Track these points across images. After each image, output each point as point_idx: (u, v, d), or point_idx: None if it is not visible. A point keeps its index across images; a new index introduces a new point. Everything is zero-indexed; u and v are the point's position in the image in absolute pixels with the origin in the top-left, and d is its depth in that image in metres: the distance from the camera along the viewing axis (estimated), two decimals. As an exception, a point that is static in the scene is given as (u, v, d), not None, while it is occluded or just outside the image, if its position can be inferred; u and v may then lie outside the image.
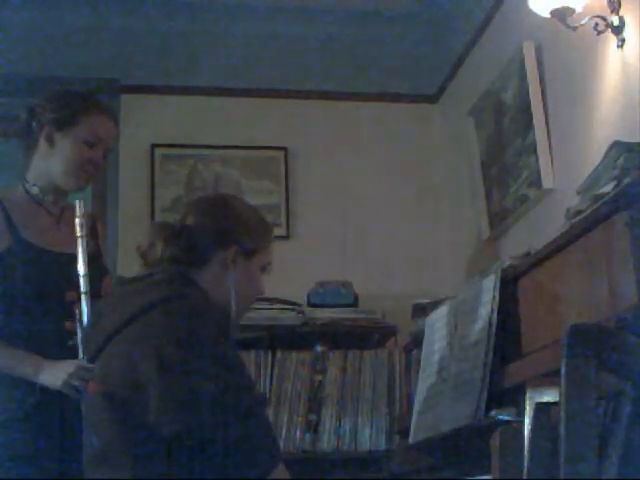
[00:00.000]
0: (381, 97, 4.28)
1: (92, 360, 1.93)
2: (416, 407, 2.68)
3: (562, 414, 1.33)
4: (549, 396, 1.67)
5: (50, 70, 3.98)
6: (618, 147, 2.10)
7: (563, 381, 1.34)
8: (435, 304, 2.89)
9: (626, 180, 1.99)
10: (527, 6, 2.83)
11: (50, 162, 2.45)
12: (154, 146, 4.11)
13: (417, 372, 2.81)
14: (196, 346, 1.76)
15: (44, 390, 2.26)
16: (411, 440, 2.67)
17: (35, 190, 2.46)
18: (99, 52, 4.03)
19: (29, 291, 2.34)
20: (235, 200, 2.14)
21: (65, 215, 2.48)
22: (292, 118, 4.21)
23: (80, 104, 2.48)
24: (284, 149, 4.17)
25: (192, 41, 4.13)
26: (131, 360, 1.78)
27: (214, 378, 1.72)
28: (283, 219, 4.09)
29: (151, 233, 2.03)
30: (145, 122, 4.11)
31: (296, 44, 4.17)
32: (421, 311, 3.12)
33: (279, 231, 3.86)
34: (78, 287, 2.31)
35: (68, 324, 2.30)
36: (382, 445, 3.48)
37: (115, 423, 1.77)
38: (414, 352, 3.12)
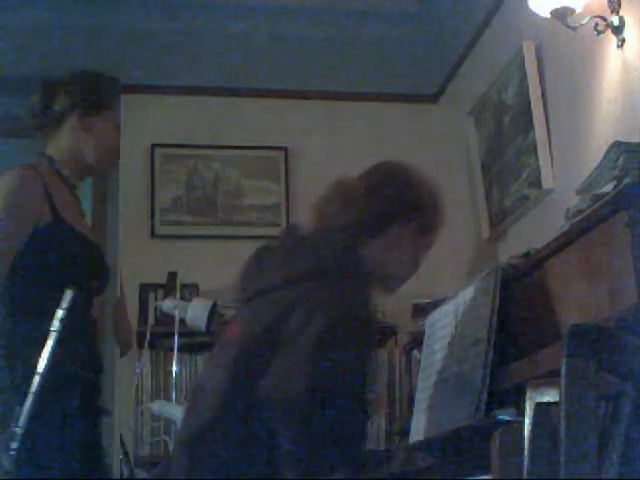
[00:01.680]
0: (381, 97, 4.28)
1: (245, 303, 1.85)
2: (416, 407, 2.67)
3: (562, 414, 1.33)
4: (549, 396, 1.66)
5: (50, 70, 3.97)
6: (618, 147, 2.10)
7: (563, 381, 1.34)
8: (435, 304, 2.88)
9: (626, 180, 1.99)
10: (527, 6, 2.83)
11: (83, 144, 2.42)
12: (154, 146, 4.11)
13: (417, 372, 2.80)
14: (343, 333, 1.67)
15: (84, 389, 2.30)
16: (411, 440, 2.67)
17: (66, 171, 2.41)
18: (99, 52, 4.03)
19: (61, 271, 2.30)
20: (419, 174, 2.03)
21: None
22: (292, 118, 4.21)
23: (112, 87, 2.49)
24: (284, 149, 4.17)
25: (192, 41, 4.13)
26: (276, 322, 1.70)
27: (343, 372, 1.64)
28: (283, 219, 4.09)
29: (332, 189, 1.95)
30: (145, 122, 4.11)
31: (296, 44, 4.17)
32: (421, 311, 3.12)
33: (279, 231, 3.86)
34: (99, 275, 2.33)
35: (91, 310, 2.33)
36: (382, 445, 3.48)
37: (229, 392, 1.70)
38: (414, 352, 3.12)
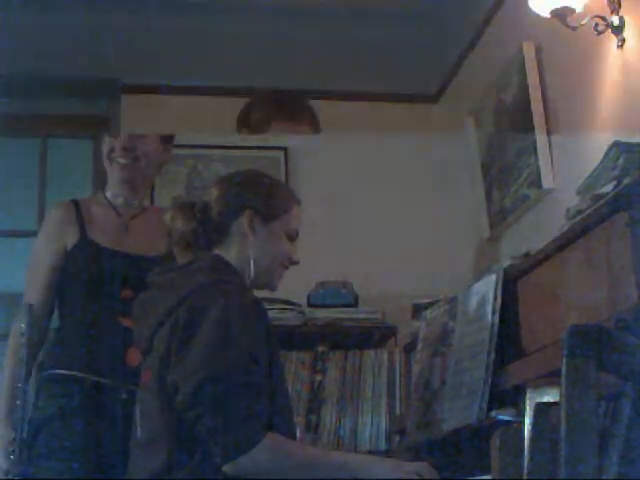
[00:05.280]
0: (381, 97, 4.28)
1: (147, 353, 1.96)
2: (416, 407, 2.68)
3: (562, 414, 1.33)
4: (549, 396, 1.67)
5: (50, 70, 3.98)
6: (618, 147, 2.10)
7: (563, 381, 1.34)
8: (435, 304, 2.89)
9: (626, 180, 1.99)
10: (527, 6, 2.83)
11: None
12: (154, 146, 4.10)
13: (417, 372, 2.80)
14: (229, 325, 1.84)
15: (92, 388, 2.37)
16: (411, 440, 2.67)
17: (110, 197, 2.63)
18: (99, 52, 4.03)
19: (88, 285, 2.47)
20: (249, 171, 2.20)
21: (138, 218, 2.63)
22: (292, 118, 4.20)
23: None
24: (284, 149, 4.17)
25: (192, 41, 4.13)
26: (171, 332, 1.86)
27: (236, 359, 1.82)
28: (283, 219, 4.08)
29: (172, 210, 2.12)
30: (145, 122, 4.10)
31: (296, 44, 4.17)
32: (421, 311, 3.12)
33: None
34: (135, 286, 2.36)
35: (124, 319, 2.36)
36: (382, 445, 3.48)
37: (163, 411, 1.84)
38: (414, 352, 3.12)
